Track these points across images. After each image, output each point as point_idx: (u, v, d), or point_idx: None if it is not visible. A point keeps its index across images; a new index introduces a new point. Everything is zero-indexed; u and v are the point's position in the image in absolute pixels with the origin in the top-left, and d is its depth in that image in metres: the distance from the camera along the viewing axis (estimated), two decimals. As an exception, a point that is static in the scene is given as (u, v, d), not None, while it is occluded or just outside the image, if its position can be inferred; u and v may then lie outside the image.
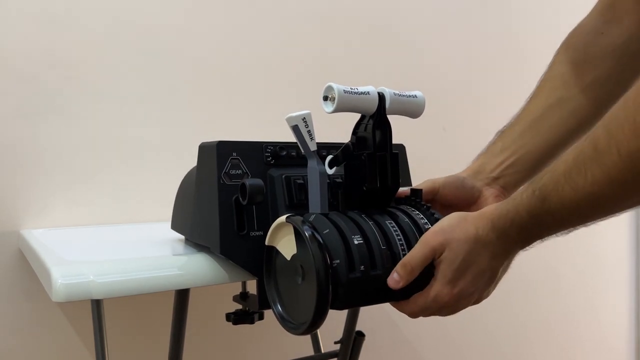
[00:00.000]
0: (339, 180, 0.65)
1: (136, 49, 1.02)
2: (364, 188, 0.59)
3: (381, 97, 0.59)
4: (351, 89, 0.57)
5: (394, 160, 0.60)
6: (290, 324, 0.56)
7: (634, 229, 1.82)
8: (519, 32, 1.53)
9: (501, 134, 0.71)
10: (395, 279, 0.54)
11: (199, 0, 1.08)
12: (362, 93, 0.58)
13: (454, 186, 0.66)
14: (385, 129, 0.60)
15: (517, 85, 1.54)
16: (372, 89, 0.59)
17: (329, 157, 0.60)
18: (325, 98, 0.58)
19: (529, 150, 0.68)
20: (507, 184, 0.68)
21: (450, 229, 0.54)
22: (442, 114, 1.37)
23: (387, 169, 0.59)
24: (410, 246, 0.55)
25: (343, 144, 0.70)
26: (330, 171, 0.60)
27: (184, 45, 1.07)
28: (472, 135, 1.47)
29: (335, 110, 0.57)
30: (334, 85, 0.57)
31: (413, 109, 0.63)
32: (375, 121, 0.59)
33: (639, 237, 1.83)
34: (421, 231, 0.56)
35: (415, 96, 0.63)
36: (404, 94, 0.61)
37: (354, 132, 0.62)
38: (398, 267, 0.54)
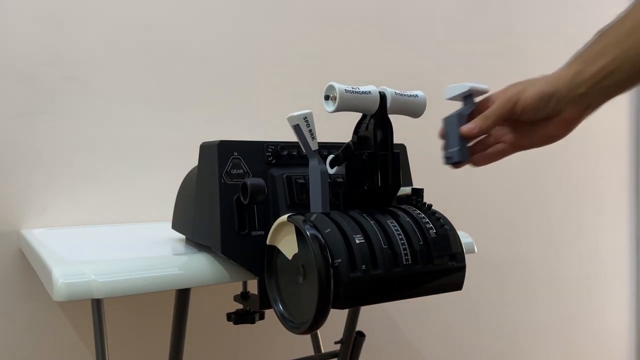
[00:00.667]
0: (340, 180, 0.65)
1: (137, 49, 1.02)
2: (365, 188, 0.59)
3: (382, 96, 0.59)
4: (352, 88, 0.57)
5: (395, 159, 0.60)
6: (292, 324, 0.56)
7: (634, 230, 1.82)
8: (519, 32, 1.53)
9: (602, 33, 0.60)
10: (469, 126, 0.60)
11: (200, 1, 1.08)
12: (363, 92, 0.58)
13: (537, 109, 0.61)
14: (387, 128, 0.60)
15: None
16: (373, 89, 0.59)
17: (330, 157, 0.60)
18: (327, 97, 0.58)
19: (633, 60, 0.57)
20: (597, 102, 0.60)
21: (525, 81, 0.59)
22: (444, 113, 1.37)
23: (388, 168, 0.59)
24: (411, 246, 0.55)
25: (344, 143, 0.70)
26: (331, 171, 0.60)
27: (185, 45, 1.07)
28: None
29: (337, 110, 0.57)
30: (335, 85, 0.57)
31: (414, 109, 0.63)
32: (376, 121, 0.59)
33: (639, 239, 1.83)
34: (422, 231, 0.56)
35: (417, 96, 0.63)
36: (405, 93, 0.61)
37: (355, 132, 0.62)
38: (477, 118, 0.61)
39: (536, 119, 0.62)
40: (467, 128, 0.60)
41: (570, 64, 0.60)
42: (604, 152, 1.74)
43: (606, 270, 1.76)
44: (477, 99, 0.68)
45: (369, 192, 0.59)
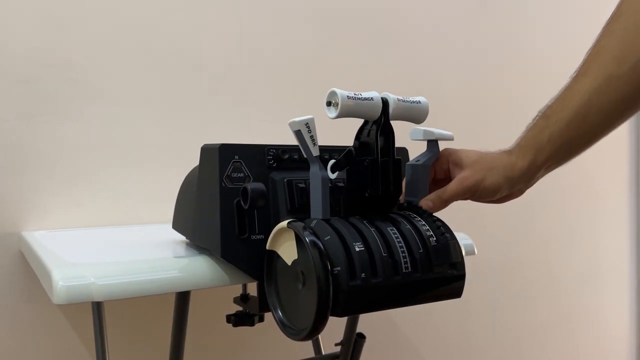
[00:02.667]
0: (341, 185, 0.65)
1: (138, 50, 1.02)
2: (366, 194, 0.58)
3: (385, 102, 0.59)
4: (355, 94, 0.57)
5: (397, 166, 0.60)
6: (291, 330, 0.56)
7: (634, 230, 1.82)
8: (519, 33, 1.52)
9: (547, 118, 0.64)
10: (429, 204, 0.62)
11: (200, 1, 1.08)
12: (365, 99, 0.58)
13: (494, 196, 0.66)
14: (389, 134, 0.60)
15: (519, 87, 1.54)
16: (375, 95, 0.59)
17: (331, 162, 0.60)
18: (329, 103, 0.58)
19: (575, 143, 0.64)
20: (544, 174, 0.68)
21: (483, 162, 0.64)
22: (443, 116, 1.37)
23: (390, 175, 0.59)
24: (411, 254, 0.55)
25: (346, 147, 0.70)
26: (332, 175, 0.60)
27: (186, 46, 1.07)
28: (474, 137, 1.47)
29: (339, 116, 0.57)
30: (337, 91, 0.56)
31: (417, 115, 0.62)
32: (378, 127, 0.59)
33: (639, 239, 1.83)
34: (423, 239, 0.56)
35: (419, 102, 0.62)
36: (407, 99, 0.61)
37: (357, 137, 0.61)
38: (433, 196, 0.63)
39: (492, 200, 0.68)
40: (424, 204, 0.63)
41: (523, 152, 0.65)
42: (603, 152, 1.73)
43: (606, 271, 1.75)
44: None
45: (369, 199, 0.59)
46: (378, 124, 0.59)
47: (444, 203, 0.63)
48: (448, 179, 0.66)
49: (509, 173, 0.64)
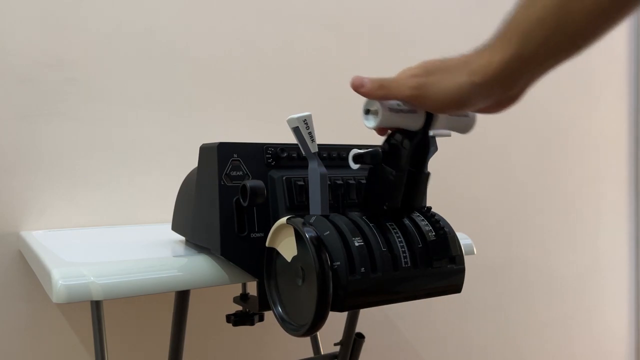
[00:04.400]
0: (339, 182, 0.65)
1: (137, 51, 1.02)
2: (385, 207, 0.55)
3: (429, 114, 0.54)
4: (398, 105, 0.53)
5: (426, 180, 0.57)
6: (291, 326, 0.56)
7: (633, 230, 1.83)
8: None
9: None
10: (362, 82, 0.53)
11: (200, 1, 1.09)
12: (409, 111, 0.53)
13: (456, 107, 0.50)
14: (425, 147, 0.56)
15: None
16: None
17: (355, 151, 0.55)
18: (367, 112, 0.54)
19: (578, 20, 0.43)
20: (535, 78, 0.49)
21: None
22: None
23: (417, 189, 0.56)
24: (411, 248, 0.55)
25: (344, 145, 0.70)
26: (354, 166, 0.55)
27: (185, 46, 1.07)
28: (473, 137, 1.48)
29: (378, 126, 0.52)
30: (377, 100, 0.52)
31: (461, 127, 0.58)
32: (417, 138, 0.54)
33: (639, 238, 1.83)
34: (422, 234, 0.56)
35: (467, 115, 0.58)
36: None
37: (388, 140, 0.56)
38: (373, 80, 0.52)
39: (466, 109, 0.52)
40: (355, 80, 0.53)
41: (501, 42, 0.47)
42: (602, 152, 1.74)
43: (605, 271, 1.76)
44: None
45: (385, 210, 0.56)
46: (417, 135, 0.54)
47: (379, 87, 0.52)
48: None
49: (478, 76, 0.47)
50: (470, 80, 0.47)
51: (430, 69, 0.50)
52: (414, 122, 0.53)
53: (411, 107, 0.53)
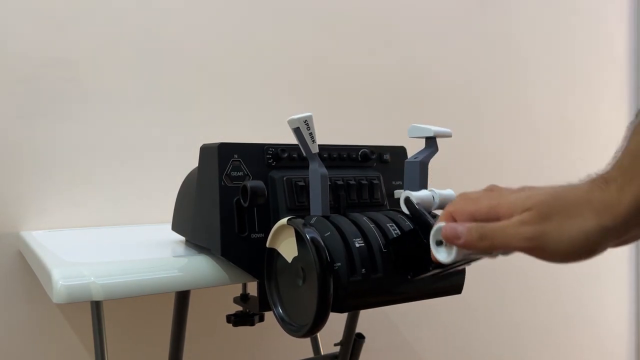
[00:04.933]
0: (340, 182, 0.65)
1: (137, 50, 1.02)
2: (409, 277, 0.54)
3: None
4: None
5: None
6: (291, 327, 0.56)
7: (634, 232, 1.82)
8: (518, 36, 1.53)
9: None
10: (459, 233, 0.43)
11: (200, 1, 1.08)
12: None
13: (576, 257, 0.42)
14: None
15: (518, 89, 1.54)
16: None
17: (395, 233, 0.54)
18: (439, 243, 0.46)
19: None
20: None
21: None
22: (443, 117, 1.37)
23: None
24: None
25: (345, 146, 0.70)
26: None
27: (186, 46, 1.07)
28: (473, 138, 1.48)
29: (455, 259, 0.44)
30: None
31: None
32: None
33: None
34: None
35: None
36: None
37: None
38: (473, 229, 0.43)
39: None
40: (448, 234, 0.44)
41: (631, 176, 0.39)
42: (603, 152, 1.74)
43: (606, 271, 1.76)
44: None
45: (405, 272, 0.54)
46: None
47: (480, 237, 0.42)
48: None
49: (605, 220, 0.39)
50: (599, 225, 0.39)
51: (546, 213, 0.40)
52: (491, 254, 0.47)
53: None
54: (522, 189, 0.44)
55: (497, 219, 0.43)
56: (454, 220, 0.45)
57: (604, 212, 0.39)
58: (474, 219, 0.44)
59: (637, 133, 0.39)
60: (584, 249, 0.39)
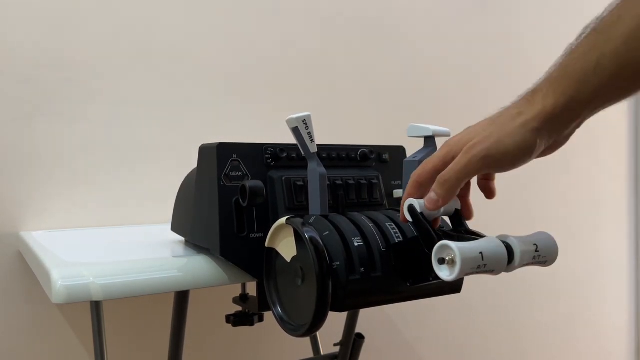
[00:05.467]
0: (339, 182, 0.65)
1: (137, 51, 1.02)
2: (408, 284, 0.54)
3: (510, 251, 0.48)
4: (473, 247, 0.46)
5: None
6: (290, 326, 0.56)
7: (634, 232, 1.83)
8: (519, 34, 1.53)
9: (596, 34, 0.47)
10: (431, 197, 0.49)
11: (200, 1, 1.09)
12: (490, 254, 0.46)
13: (518, 160, 0.50)
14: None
15: (518, 89, 1.54)
16: (497, 243, 0.48)
17: (397, 237, 0.54)
18: (441, 261, 0.46)
19: (637, 69, 0.45)
20: (588, 117, 0.49)
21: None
22: (442, 117, 1.37)
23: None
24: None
25: (344, 145, 0.70)
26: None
27: (185, 46, 1.07)
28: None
29: (457, 277, 0.45)
30: (453, 245, 0.45)
31: (545, 261, 0.52)
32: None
33: (639, 240, 1.83)
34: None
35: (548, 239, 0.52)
36: (533, 242, 0.50)
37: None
38: (435, 185, 0.49)
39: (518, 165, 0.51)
40: (428, 200, 0.49)
41: (556, 86, 0.47)
42: (603, 151, 1.74)
43: (606, 271, 1.76)
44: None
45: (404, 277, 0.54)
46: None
47: (447, 186, 0.49)
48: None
49: (532, 124, 0.47)
50: (532, 128, 0.47)
51: (487, 135, 0.49)
52: (498, 264, 0.47)
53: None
54: (464, 130, 0.52)
55: (452, 160, 0.50)
56: (420, 184, 0.52)
57: (532, 117, 0.47)
58: (436, 171, 0.51)
59: (571, 52, 0.48)
60: (525, 149, 0.48)
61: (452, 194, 0.50)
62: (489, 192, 0.57)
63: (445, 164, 0.51)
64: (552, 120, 0.47)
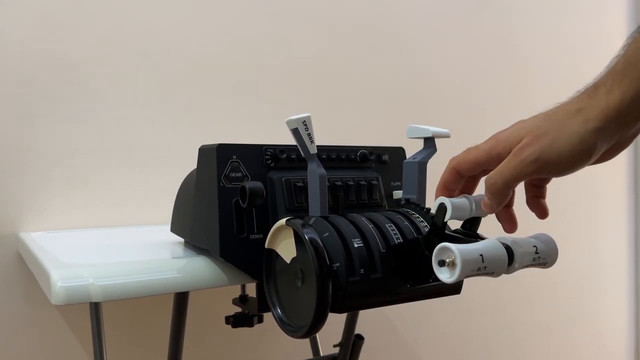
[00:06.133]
0: (339, 183, 0.65)
1: (137, 52, 1.02)
2: (408, 285, 0.53)
3: (510, 253, 0.48)
4: (473, 248, 0.45)
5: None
6: (290, 327, 0.56)
7: (633, 230, 1.83)
8: (518, 35, 1.53)
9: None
10: (486, 203, 0.46)
11: (199, 1, 1.09)
12: (490, 256, 0.46)
13: (574, 165, 0.45)
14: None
15: (517, 88, 1.54)
16: (497, 245, 0.47)
17: (397, 239, 0.53)
18: (442, 263, 0.45)
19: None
20: None
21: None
22: (442, 117, 1.37)
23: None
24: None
25: (344, 147, 0.70)
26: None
27: (185, 47, 1.07)
28: (472, 138, 1.48)
29: (458, 280, 0.45)
30: (453, 247, 0.44)
31: (545, 262, 0.52)
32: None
33: (638, 239, 1.83)
34: (420, 233, 0.56)
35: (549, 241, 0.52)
36: (533, 244, 0.50)
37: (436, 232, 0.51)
38: (485, 191, 0.46)
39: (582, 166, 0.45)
40: (484, 206, 0.47)
41: (621, 77, 0.42)
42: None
43: (606, 271, 1.76)
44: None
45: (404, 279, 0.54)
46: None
47: (496, 193, 0.46)
48: None
49: (596, 123, 0.42)
50: (593, 127, 0.42)
51: (541, 133, 0.44)
52: (497, 266, 0.47)
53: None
54: (515, 124, 0.47)
55: (498, 157, 0.46)
56: (458, 172, 0.48)
57: (593, 115, 0.42)
58: (478, 164, 0.48)
59: (635, 41, 0.42)
60: (583, 153, 0.43)
61: (503, 198, 0.47)
62: (540, 212, 0.53)
63: (489, 158, 0.47)
64: (616, 118, 0.42)
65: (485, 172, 0.49)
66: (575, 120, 0.43)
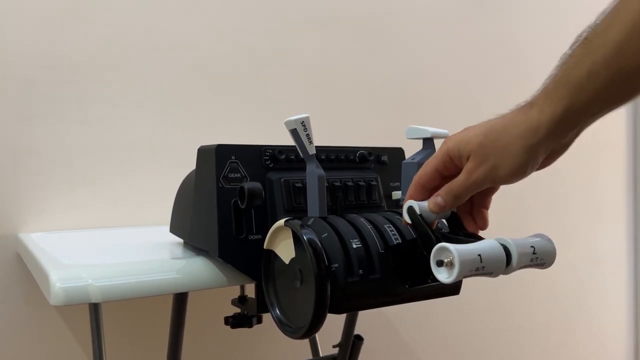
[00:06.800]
0: (337, 184, 0.65)
1: (136, 52, 1.02)
2: (406, 286, 0.54)
3: (507, 253, 0.48)
4: (472, 248, 0.46)
5: None
6: (289, 328, 0.56)
7: (632, 232, 1.83)
8: (517, 35, 1.53)
9: (587, 44, 0.46)
10: (437, 202, 0.51)
11: (198, 2, 1.09)
12: (488, 256, 0.46)
13: (520, 176, 0.50)
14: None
15: (516, 88, 1.54)
16: (495, 245, 0.48)
17: (395, 243, 0.54)
18: (440, 263, 0.46)
19: (630, 73, 0.44)
20: (586, 126, 0.49)
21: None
22: (441, 118, 1.38)
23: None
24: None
25: (343, 147, 0.70)
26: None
27: (184, 47, 1.07)
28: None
29: (456, 280, 0.45)
30: (451, 247, 0.45)
31: (543, 263, 0.52)
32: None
33: (638, 239, 1.83)
34: (420, 235, 0.56)
35: (548, 241, 0.52)
36: (530, 244, 0.50)
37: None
38: (443, 192, 0.52)
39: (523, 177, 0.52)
40: (432, 203, 0.52)
41: (552, 97, 0.47)
42: (602, 153, 1.74)
43: (605, 271, 1.76)
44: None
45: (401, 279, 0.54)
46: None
47: (454, 198, 0.51)
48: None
49: (530, 140, 0.47)
50: (527, 145, 0.48)
51: (484, 154, 0.50)
52: (496, 268, 0.48)
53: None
54: (462, 131, 0.53)
55: (453, 165, 0.52)
56: (422, 186, 0.54)
57: (528, 134, 0.48)
58: (437, 171, 0.53)
59: (565, 62, 0.47)
60: (524, 166, 0.49)
61: (459, 202, 0.52)
62: (483, 222, 0.58)
63: (444, 164, 0.53)
64: (549, 133, 0.47)
65: (446, 179, 0.54)
66: (513, 138, 0.48)
